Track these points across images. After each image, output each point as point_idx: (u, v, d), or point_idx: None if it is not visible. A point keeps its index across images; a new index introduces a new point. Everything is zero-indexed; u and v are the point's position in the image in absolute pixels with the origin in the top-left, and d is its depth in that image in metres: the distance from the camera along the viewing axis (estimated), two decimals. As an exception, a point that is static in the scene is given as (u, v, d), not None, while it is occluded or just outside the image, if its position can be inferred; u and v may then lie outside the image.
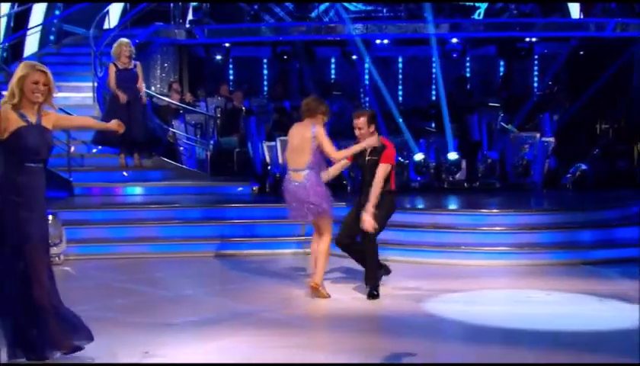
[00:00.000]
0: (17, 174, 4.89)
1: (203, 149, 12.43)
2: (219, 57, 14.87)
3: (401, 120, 12.87)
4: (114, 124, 5.45)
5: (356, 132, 7.10)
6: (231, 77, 16.26)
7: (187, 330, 6.05)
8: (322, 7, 15.42)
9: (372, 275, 7.11)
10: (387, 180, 7.08)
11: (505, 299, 7.27)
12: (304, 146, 6.96)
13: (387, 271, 7.44)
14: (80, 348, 5.09)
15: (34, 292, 4.86)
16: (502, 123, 12.98)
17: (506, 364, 5.23)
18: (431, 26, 13.61)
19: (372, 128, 7.07)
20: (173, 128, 12.54)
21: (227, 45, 14.87)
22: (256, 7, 15.12)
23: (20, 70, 4.93)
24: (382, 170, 7.01)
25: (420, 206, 10.53)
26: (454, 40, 14.46)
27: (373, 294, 7.05)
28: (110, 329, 5.95)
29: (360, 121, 7.07)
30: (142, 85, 10.83)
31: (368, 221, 6.88)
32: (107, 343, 5.49)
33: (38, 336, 4.92)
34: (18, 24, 13.53)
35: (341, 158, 7.17)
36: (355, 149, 7.06)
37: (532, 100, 14.39)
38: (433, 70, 15.67)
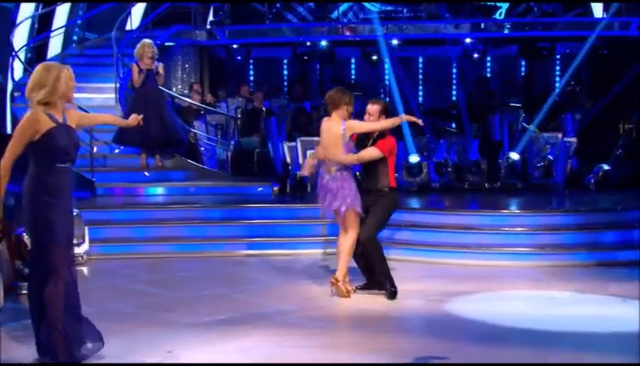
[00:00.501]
0: (48, 174, 4.91)
1: (223, 149, 12.46)
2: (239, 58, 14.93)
3: (421, 120, 12.78)
4: (132, 119, 5.52)
5: (366, 117, 7.11)
6: (251, 78, 16.32)
7: (208, 330, 6.07)
8: (342, 8, 15.42)
9: (383, 273, 7.05)
10: (386, 176, 7.06)
11: (528, 300, 7.23)
12: (334, 141, 6.96)
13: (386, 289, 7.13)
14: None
15: (46, 292, 4.85)
16: (523, 124, 12.89)
17: (529, 364, 5.21)
18: (449, 26, 13.56)
19: (382, 119, 7.08)
20: (194, 129, 12.58)
21: (247, 46, 14.90)
22: (278, 5, 15.15)
23: (54, 70, 4.92)
24: (370, 151, 7.00)
25: (441, 206, 10.49)
26: (468, 40, 14.39)
27: (392, 292, 7.01)
28: (133, 328, 6.00)
29: (373, 108, 7.08)
30: (161, 69, 10.90)
31: (307, 161, 6.88)
32: (129, 342, 5.54)
33: (46, 338, 4.93)
34: (42, 25, 13.64)
35: (383, 128, 7.04)
36: (395, 120, 7.14)
37: (554, 100, 14.27)
38: (454, 70, 15.63)
